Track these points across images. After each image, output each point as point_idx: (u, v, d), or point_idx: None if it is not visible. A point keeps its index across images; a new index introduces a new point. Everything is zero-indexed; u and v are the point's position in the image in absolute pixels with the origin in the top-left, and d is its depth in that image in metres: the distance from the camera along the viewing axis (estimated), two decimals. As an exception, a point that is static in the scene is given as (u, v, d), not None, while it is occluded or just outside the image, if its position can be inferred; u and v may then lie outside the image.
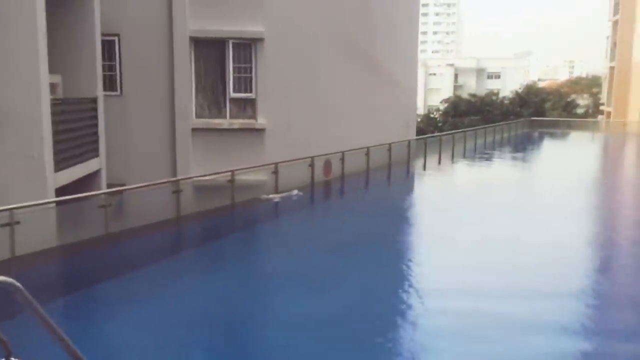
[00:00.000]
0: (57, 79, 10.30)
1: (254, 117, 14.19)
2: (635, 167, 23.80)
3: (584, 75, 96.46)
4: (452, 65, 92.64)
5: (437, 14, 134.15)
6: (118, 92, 13.62)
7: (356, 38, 16.32)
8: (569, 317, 6.61)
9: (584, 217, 12.59)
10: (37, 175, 8.63)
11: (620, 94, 39.20)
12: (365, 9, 16.73)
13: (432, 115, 50.23)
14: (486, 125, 29.90)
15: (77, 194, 9.41)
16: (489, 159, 23.43)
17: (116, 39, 13.50)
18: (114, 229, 9.47)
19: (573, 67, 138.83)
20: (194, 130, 13.82)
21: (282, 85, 14.41)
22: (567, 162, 23.15)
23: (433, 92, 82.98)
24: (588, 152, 28.54)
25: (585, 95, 68.74)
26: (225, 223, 11.75)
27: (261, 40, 13.88)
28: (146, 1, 13.58)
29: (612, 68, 41.64)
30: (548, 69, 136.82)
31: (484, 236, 10.22)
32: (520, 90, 48.87)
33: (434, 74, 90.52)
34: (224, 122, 14.06)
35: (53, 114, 8.98)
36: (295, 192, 13.12)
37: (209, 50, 13.92)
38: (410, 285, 7.86)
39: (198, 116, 13.99)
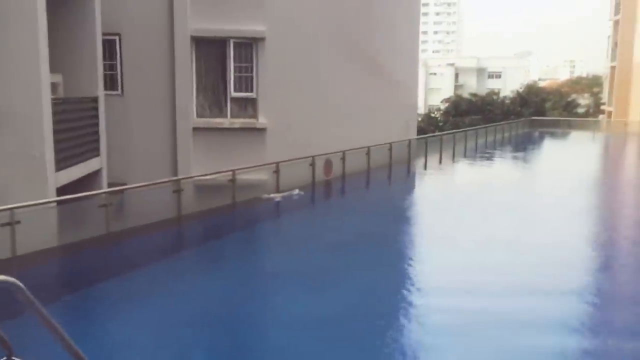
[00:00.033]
0: (58, 78, 10.30)
1: (254, 116, 14.19)
2: (637, 166, 23.77)
3: (584, 75, 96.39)
4: (452, 64, 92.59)
5: (437, 14, 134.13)
6: (119, 92, 13.64)
7: (357, 38, 16.31)
8: (569, 316, 6.61)
9: (584, 216, 12.59)
10: (38, 174, 8.64)
11: (622, 93, 39.15)
12: (366, 8, 16.72)
13: (432, 115, 50.22)
14: (487, 125, 29.84)
15: (78, 194, 9.42)
16: (489, 158, 23.40)
17: (117, 38, 13.51)
18: (114, 228, 9.48)
19: (574, 66, 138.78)
20: (194, 129, 13.83)
21: (283, 85, 14.41)
22: (568, 161, 23.11)
23: (434, 91, 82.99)
24: (589, 152, 28.48)
25: (586, 95, 68.72)
26: (226, 222, 11.76)
27: (262, 39, 13.88)
28: (147, 0, 13.59)
29: (613, 68, 41.59)
30: (548, 69, 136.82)
31: (485, 236, 10.22)
32: (521, 90, 48.91)
33: (435, 74, 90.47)
34: (225, 122, 14.06)
35: (54, 113, 8.98)
36: (296, 191, 13.11)
37: (210, 50, 13.92)
38: (412, 285, 7.87)
39: (199, 115, 13.99)
